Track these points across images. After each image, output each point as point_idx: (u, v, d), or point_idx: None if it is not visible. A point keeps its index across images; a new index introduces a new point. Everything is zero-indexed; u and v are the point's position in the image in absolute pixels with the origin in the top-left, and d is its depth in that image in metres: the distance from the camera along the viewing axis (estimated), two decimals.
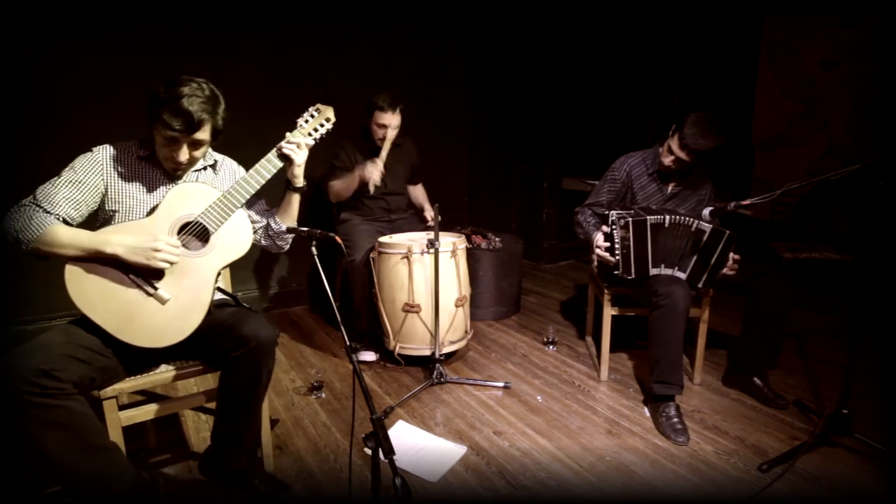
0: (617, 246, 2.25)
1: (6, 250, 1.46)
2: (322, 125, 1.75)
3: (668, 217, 2.21)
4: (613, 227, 2.25)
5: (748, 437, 2.09)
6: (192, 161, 1.64)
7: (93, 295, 1.49)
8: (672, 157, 2.33)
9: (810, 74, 4.09)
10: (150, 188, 1.65)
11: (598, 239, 2.36)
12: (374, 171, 2.76)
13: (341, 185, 2.88)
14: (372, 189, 2.79)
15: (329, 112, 1.76)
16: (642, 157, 2.53)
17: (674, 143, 2.32)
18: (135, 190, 1.63)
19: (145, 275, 1.53)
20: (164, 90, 1.50)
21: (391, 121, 2.81)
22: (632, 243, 2.23)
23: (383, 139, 2.84)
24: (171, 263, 1.52)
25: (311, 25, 3.40)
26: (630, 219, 2.21)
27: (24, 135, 2.70)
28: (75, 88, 2.78)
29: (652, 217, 2.22)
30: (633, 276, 2.25)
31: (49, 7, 2.65)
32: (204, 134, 1.57)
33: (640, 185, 2.51)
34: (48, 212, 1.49)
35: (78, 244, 1.47)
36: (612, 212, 2.30)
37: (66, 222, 1.52)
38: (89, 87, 2.81)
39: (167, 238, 1.52)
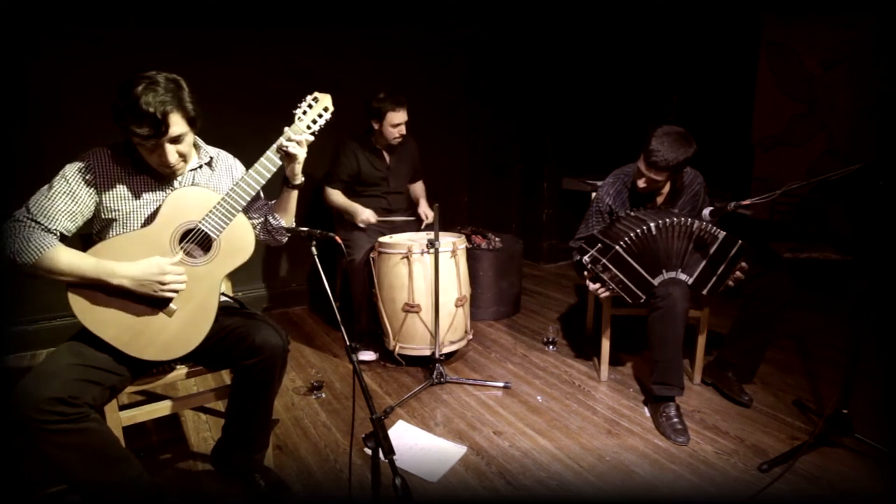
0: (611, 285, 2.17)
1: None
2: (321, 115, 1.65)
3: (653, 224, 2.11)
4: (592, 271, 2.19)
5: (748, 437, 2.09)
6: (183, 157, 1.55)
7: (99, 312, 1.45)
8: (644, 179, 2.26)
9: (810, 74, 4.08)
10: (147, 193, 1.58)
11: (590, 284, 2.26)
12: (370, 219, 2.87)
13: (338, 206, 2.98)
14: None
15: (327, 100, 1.66)
16: (622, 179, 2.46)
17: (642, 164, 2.24)
18: (131, 196, 1.55)
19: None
20: (120, 98, 1.40)
21: (404, 118, 2.87)
22: (621, 276, 2.14)
23: (398, 138, 2.91)
24: (178, 292, 1.50)
25: (311, 25, 3.40)
26: (604, 259, 2.13)
27: (24, 134, 2.70)
28: (73, 87, 2.77)
29: (623, 242, 2.11)
30: (644, 297, 2.19)
31: (46, 7, 2.65)
32: (177, 126, 1.45)
33: (628, 209, 2.44)
34: (47, 229, 1.43)
35: (80, 272, 1.41)
36: (584, 258, 2.23)
37: (63, 236, 1.47)
38: (87, 86, 2.79)
39: (173, 268, 1.48)
